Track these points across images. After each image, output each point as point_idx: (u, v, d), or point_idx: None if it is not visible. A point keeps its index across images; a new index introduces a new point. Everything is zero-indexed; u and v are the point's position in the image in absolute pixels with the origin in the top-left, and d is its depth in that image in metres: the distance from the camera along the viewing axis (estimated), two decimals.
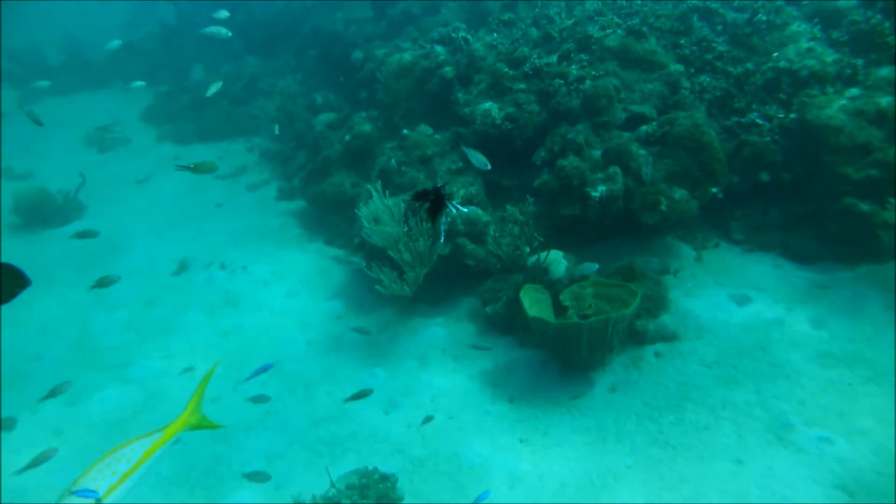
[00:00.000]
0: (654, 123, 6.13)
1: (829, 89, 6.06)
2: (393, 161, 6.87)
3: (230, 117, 12.38)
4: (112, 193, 10.32)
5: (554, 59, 6.73)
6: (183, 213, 9.48)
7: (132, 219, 9.44)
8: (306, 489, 4.76)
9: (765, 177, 6.07)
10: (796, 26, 6.56)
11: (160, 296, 7.47)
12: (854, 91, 5.91)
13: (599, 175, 5.78)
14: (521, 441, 4.91)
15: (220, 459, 5.19)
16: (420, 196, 2.84)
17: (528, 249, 5.52)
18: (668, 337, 5.41)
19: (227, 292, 7.39)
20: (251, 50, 15.09)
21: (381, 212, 5.59)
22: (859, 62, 6.09)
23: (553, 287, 5.43)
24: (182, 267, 7.99)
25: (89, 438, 5.51)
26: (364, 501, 4.44)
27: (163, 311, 7.18)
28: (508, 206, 5.63)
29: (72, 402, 5.92)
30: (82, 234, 6.73)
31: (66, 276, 7.95)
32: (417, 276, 5.81)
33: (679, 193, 5.69)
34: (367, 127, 7.94)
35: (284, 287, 7.29)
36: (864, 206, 5.43)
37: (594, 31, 6.82)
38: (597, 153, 5.99)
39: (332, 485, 4.68)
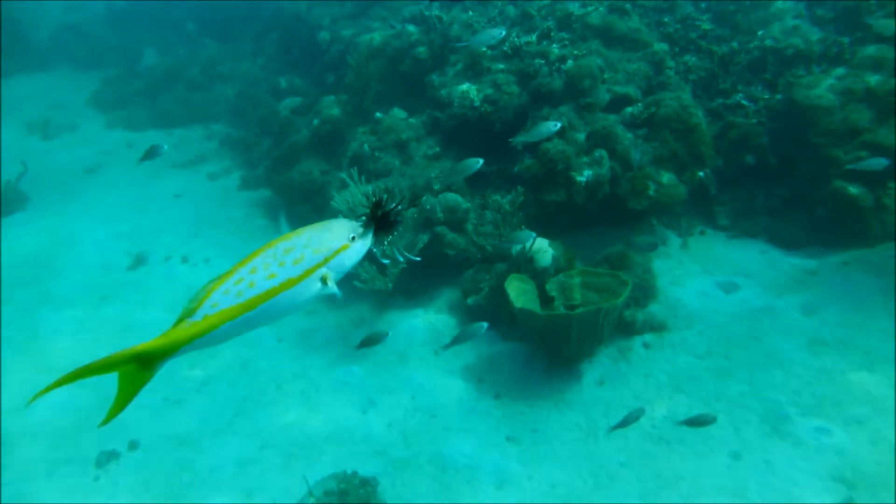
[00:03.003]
0: (639, 105, 5.91)
1: (815, 69, 5.95)
2: (366, 146, 6.52)
3: (187, 103, 11.77)
4: (58, 183, 9.68)
5: (534, 37, 6.45)
6: (138, 204, 8.93)
7: (81, 210, 8.84)
8: (281, 496, 4.47)
9: (751, 160, 5.94)
10: (781, 3, 6.42)
11: (115, 292, 6.97)
12: (840, 70, 5.81)
13: (585, 159, 5.54)
14: (507, 439, 4.68)
15: (185, 466, 4.82)
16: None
17: None
18: (656, 327, 5.24)
19: (189, 287, 6.93)
20: (207, 33, 14.42)
21: (358, 200, 5.24)
22: (845, 40, 5.97)
23: (539, 277, 5.18)
24: (139, 261, 7.50)
25: (36, 447, 5.06)
26: None
27: (118, 309, 6.70)
28: (498, 196, 5.33)
29: (16, 409, 5.45)
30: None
31: (9, 273, 7.37)
32: (398, 270, 5.51)
33: (666, 177, 5.50)
34: (336, 111, 7.55)
35: None
36: (853, 189, 5.33)
37: (575, 8, 6.56)
38: (581, 136, 5.75)
39: (310, 492, 4.38)
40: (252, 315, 2.01)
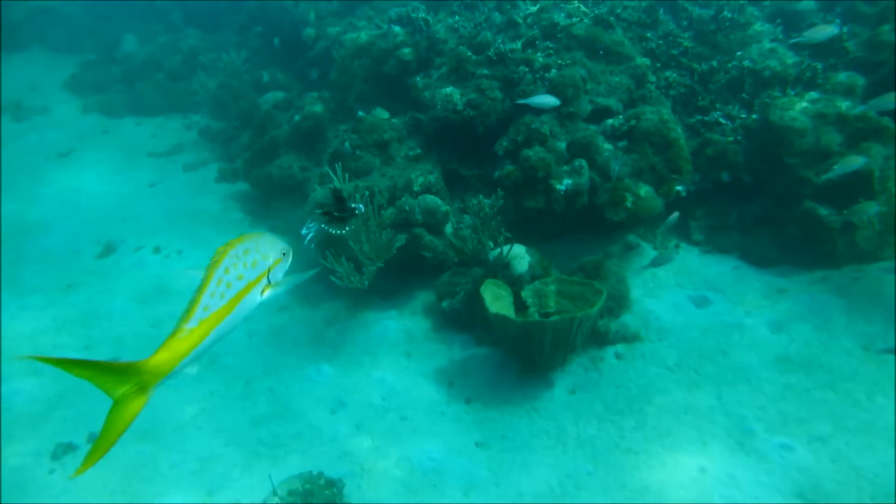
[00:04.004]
0: (620, 117, 5.97)
1: (790, 91, 6.08)
2: (347, 144, 6.47)
3: (167, 92, 11.58)
4: (29, 166, 9.44)
5: (518, 45, 6.48)
6: (111, 192, 8.76)
7: (51, 196, 8.64)
8: (244, 495, 4.39)
9: (726, 177, 6.03)
10: (759, 26, 6.57)
11: (82, 280, 6.81)
12: (813, 94, 5.95)
13: (565, 168, 5.57)
14: (477, 444, 4.66)
15: (146, 461, 4.71)
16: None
17: (491, 244, 5.26)
18: (629, 338, 5.27)
19: (160, 278, 6.81)
20: (190, 22, 14.24)
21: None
22: (819, 65, 6.12)
23: (515, 283, 5.19)
24: (108, 249, 7.34)
25: None
26: None
27: (84, 297, 6.54)
28: (480, 198, 5.34)
29: None
30: None
31: None
32: (374, 268, 5.47)
33: (644, 190, 5.55)
34: (318, 108, 7.49)
35: None
36: (823, 211, 5.45)
37: (560, 18, 6.61)
38: (562, 145, 5.79)
39: (274, 492, 4.31)
40: (229, 319, 2.12)
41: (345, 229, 2.56)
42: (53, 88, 12.47)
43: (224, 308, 2.08)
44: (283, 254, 2.30)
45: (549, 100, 5.49)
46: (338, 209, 2.51)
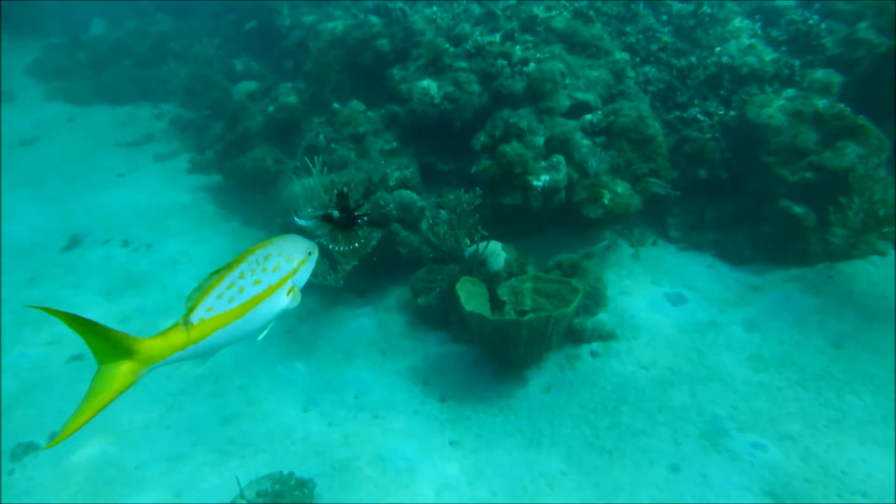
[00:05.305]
0: (598, 112, 5.92)
1: (768, 88, 6.07)
2: (322, 137, 6.33)
3: (136, 79, 11.27)
4: None
5: (497, 38, 6.39)
6: (77, 182, 8.51)
7: (14, 185, 8.35)
8: (212, 496, 4.28)
9: (703, 174, 6.02)
10: (738, 21, 6.54)
11: (45, 273, 6.60)
12: (791, 91, 5.94)
13: (542, 164, 5.51)
14: (451, 443, 4.61)
15: (110, 461, 4.58)
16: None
17: (467, 241, 5.18)
18: (605, 336, 5.25)
19: (128, 272, 6.63)
20: (161, 7, 13.89)
21: (317, 191, 5.06)
22: (796, 62, 6.12)
23: (490, 280, 5.12)
24: (74, 242, 7.13)
25: None
26: None
27: (47, 291, 6.34)
28: (460, 193, 5.23)
29: None
30: None
31: None
32: (350, 267, 5.37)
33: (622, 187, 5.52)
34: (292, 99, 7.32)
35: (195, 269, 6.61)
36: (798, 209, 5.46)
37: (539, 11, 6.53)
38: (540, 140, 5.72)
39: (241, 494, 4.21)
40: (240, 322, 2.02)
41: (347, 245, 2.35)
42: (17, 73, 12.07)
43: (232, 311, 2.00)
44: (309, 253, 2.18)
45: None
46: (342, 219, 2.31)
